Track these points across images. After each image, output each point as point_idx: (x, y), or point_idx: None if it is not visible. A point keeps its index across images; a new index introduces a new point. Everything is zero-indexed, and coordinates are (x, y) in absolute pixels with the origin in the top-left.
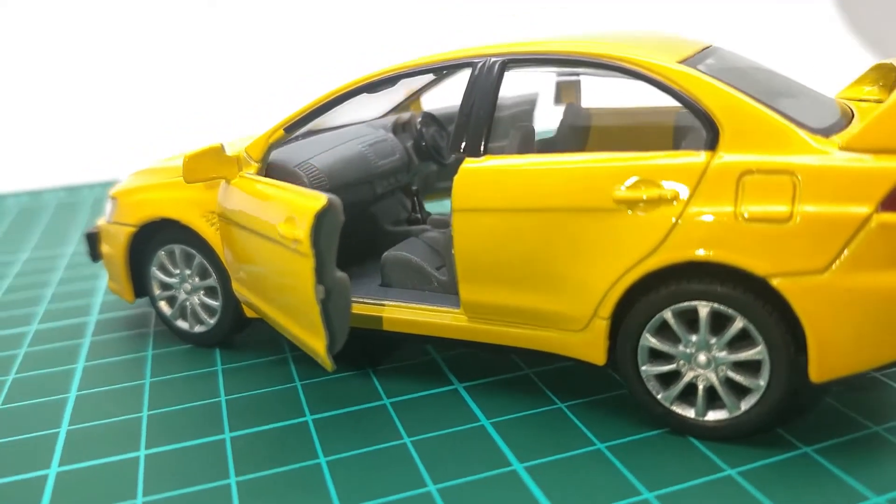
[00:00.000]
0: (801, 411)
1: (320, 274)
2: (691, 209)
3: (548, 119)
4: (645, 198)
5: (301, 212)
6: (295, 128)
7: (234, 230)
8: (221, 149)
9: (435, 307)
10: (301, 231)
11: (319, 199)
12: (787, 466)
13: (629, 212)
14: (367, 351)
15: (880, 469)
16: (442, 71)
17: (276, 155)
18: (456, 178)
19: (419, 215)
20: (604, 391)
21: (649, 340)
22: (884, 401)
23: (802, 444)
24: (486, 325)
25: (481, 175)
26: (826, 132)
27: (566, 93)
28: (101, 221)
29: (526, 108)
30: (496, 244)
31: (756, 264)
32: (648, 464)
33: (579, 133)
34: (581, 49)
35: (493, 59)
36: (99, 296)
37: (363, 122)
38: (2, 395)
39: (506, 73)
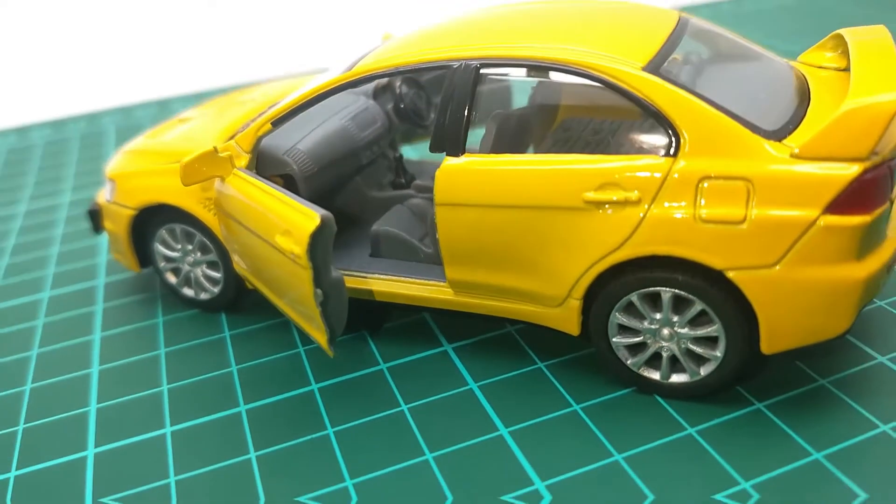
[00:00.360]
0: (758, 369)
1: (318, 280)
2: (654, 211)
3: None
4: (613, 199)
5: (297, 228)
6: (281, 122)
7: (233, 224)
8: (215, 151)
9: (422, 280)
10: (298, 248)
11: (313, 219)
12: (741, 425)
13: (598, 211)
14: (363, 315)
15: (823, 426)
16: (420, 72)
17: (264, 142)
18: (437, 174)
19: (403, 180)
20: (579, 349)
21: (618, 318)
22: (832, 353)
23: (756, 400)
24: (471, 299)
25: (461, 174)
26: (780, 133)
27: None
28: (100, 198)
29: (504, 86)
30: (476, 234)
31: (713, 259)
32: (618, 427)
33: (547, 115)
34: (551, 55)
35: (469, 63)
36: (103, 255)
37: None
38: (30, 372)
39: (480, 74)
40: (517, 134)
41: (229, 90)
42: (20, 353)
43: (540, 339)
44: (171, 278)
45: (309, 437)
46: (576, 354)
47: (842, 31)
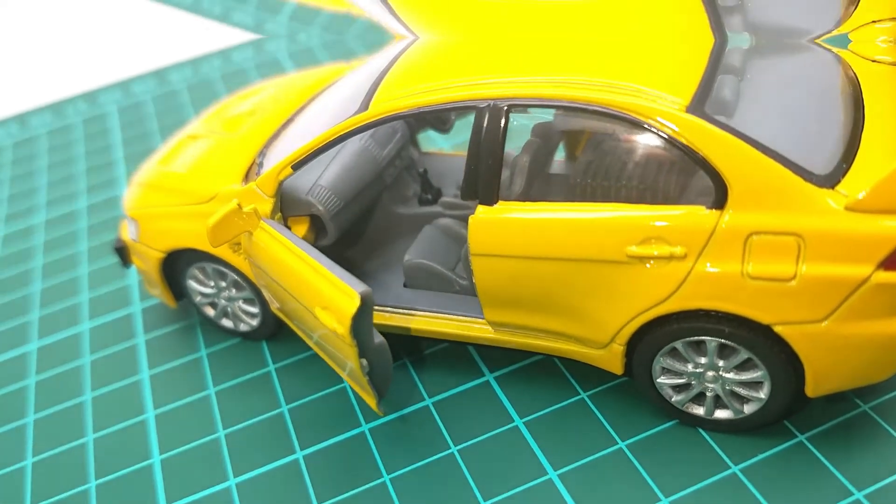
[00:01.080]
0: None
1: (362, 351)
2: (700, 266)
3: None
4: (656, 254)
5: (337, 307)
6: (301, 164)
7: (269, 280)
8: (239, 209)
9: (460, 317)
10: (341, 328)
11: (353, 299)
12: (784, 459)
13: (642, 265)
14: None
15: (864, 461)
16: (445, 111)
17: (286, 183)
18: (471, 224)
19: (429, 196)
20: (620, 376)
21: (662, 361)
22: None
23: (798, 432)
24: (511, 337)
25: (496, 225)
26: (833, 178)
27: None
28: (124, 234)
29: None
30: (515, 284)
31: (760, 315)
32: (664, 467)
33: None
34: (586, 96)
35: (497, 104)
36: (133, 277)
37: None
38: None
39: (511, 116)
40: (549, 173)
41: (225, 53)
42: (74, 399)
43: (580, 365)
44: (209, 311)
45: (368, 486)
46: (617, 381)
47: None
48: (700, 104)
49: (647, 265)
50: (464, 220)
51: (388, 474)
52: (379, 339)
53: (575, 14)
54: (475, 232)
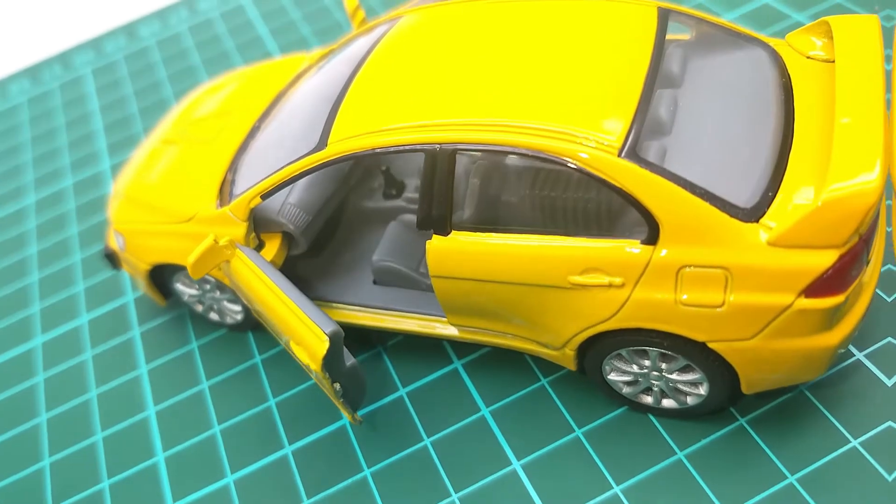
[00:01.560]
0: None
1: (335, 379)
2: (637, 294)
3: None
4: (596, 283)
5: (308, 345)
6: (269, 195)
7: (250, 301)
8: (216, 243)
9: (427, 316)
10: (314, 364)
11: (323, 342)
12: (725, 445)
13: (584, 290)
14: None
15: (799, 444)
16: (399, 153)
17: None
18: (428, 250)
19: (393, 191)
20: None
21: (611, 364)
22: None
23: (739, 415)
24: (474, 336)
25: (450, 253)
26: (758, 209)
27: None
28: (111, 242)
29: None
30: (471, 300)
31: (695, 334)
32: (616, 453)
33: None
34: (526, 142)
35: (445, 147)
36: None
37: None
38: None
39: (457, 157)
40: (498, 201)
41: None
42: (82, 396)
43: None
44: (198, 307)
45: (351, 481)
46: None
47: (829, 20)
48: (633, 145)
49: (589, 291)
50: None
51: (368, 468)
52: (350, 361)
53: (523, 26)
54: (432, 257)
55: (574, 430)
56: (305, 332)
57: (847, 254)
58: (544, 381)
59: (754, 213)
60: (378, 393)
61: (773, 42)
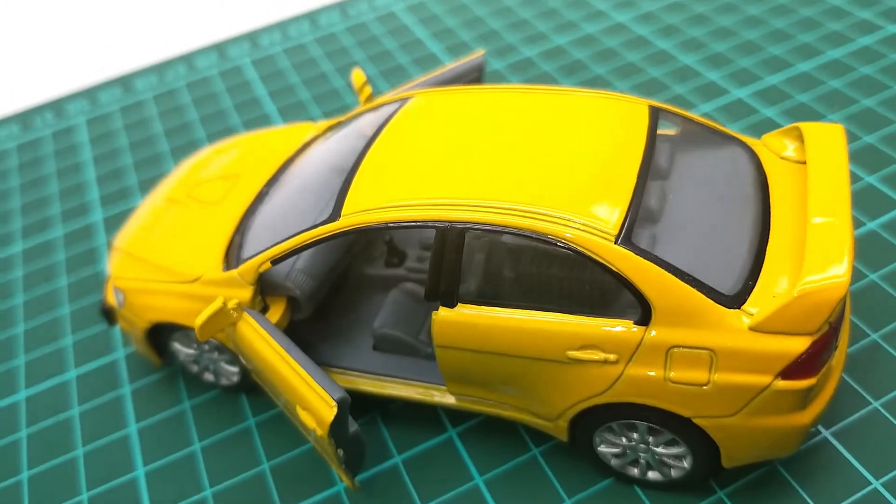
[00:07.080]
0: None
1: (339, 445)
2: (629, 370)
3: None
4: (592, 359)
5: (315, 410)
6: (279, 261)
7: (251, 362)
8: (224, 306)
9: (425, 384)
10: (320, 430)
11: (332, 407)
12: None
13: (581, 365)
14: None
15: None
16: (410, 228)
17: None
18: (434, 321)
19: (395, 259)
20: None
21: (601, 436)
22: None
23: (718, 489)
24: (471, 405)
25: (456, 325)
26: (740, 297)
27: None
28: (109, 297)
29: None
30: (473, 369)
31: (681, 410)
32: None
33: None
34: (532, 225)
35: (455, 225)
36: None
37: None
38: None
39: (466, 235)
40: (503, 277)
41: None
42: (66, 454)
43: None
44: (192, 368)
45: None
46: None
47: (801, 126)
48: (628, 233)
49: (585, 365)
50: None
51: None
52: (353, 427)
53: (529, 116)
54: (438, 328)
55: (565, 501)
56: (313, 397)
57: (819, 340)
58: (536, 451)
59: (737, 300)
60: (374, 459)
61: (751, 141)
